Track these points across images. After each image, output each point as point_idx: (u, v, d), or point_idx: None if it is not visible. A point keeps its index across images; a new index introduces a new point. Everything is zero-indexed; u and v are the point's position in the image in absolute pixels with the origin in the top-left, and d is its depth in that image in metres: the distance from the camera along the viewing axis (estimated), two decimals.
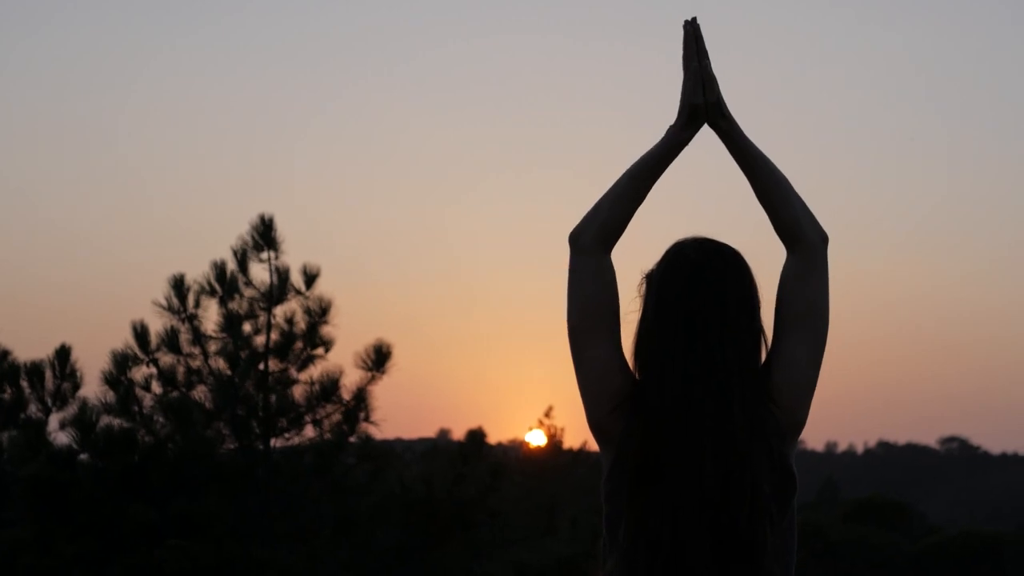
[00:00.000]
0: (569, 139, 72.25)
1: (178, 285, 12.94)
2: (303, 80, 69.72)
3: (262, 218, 13.07)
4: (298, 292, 13.08)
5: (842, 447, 70.52)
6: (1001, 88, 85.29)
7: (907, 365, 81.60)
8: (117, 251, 50.64)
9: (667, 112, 2.74)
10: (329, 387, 12.89)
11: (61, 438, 12.51)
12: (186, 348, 12.88)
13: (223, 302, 13.01)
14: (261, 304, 13.05)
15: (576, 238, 2.72)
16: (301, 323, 13.03)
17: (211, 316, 13.01)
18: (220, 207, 52.94)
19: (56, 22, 68.11)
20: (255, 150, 62.64)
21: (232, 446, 12.93)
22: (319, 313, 13.03)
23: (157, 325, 12.84)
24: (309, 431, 13.02)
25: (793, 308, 2.66)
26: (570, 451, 27.21)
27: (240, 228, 13.15)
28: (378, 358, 12.98)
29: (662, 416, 2.55)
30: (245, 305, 13.04)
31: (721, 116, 2.71)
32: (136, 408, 12.60)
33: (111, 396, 12.54)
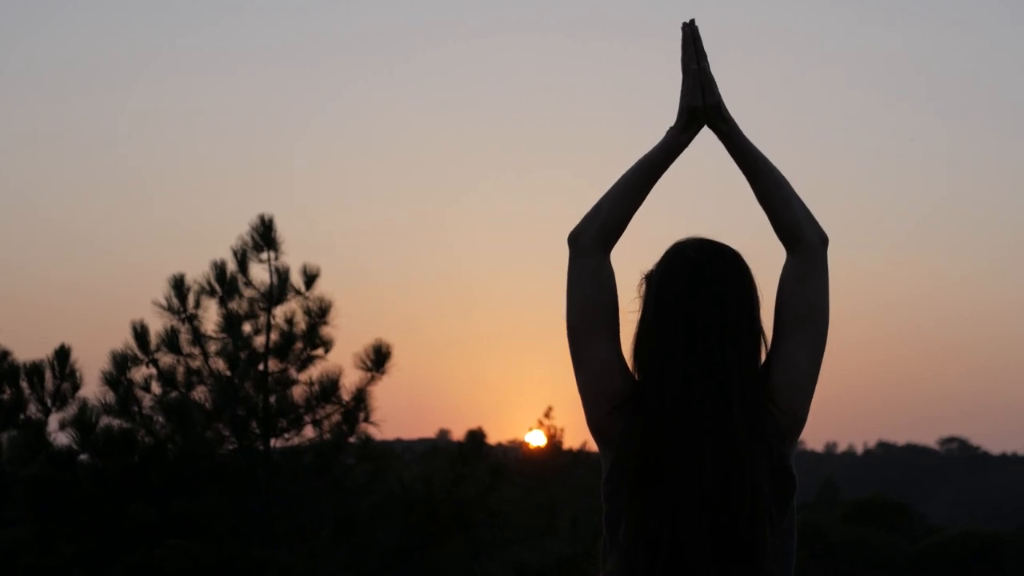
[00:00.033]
0: (569, 139, 72.29)
1: (178, 285, 12.94)
2: (303, 80, 69.77)
3: (262, 218, 13.08)
4: (298, 292, 13.08)
5: (842, 447, 70.59)
6: (1001, 88, 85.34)
7: (907, 365, 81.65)
8: (117, 251, 50.68)
9: (667, 112, 2.75)
10: (329, 387, 12.89)
11: (61, 438, 12.53)
12: (186, 348, 12.88)
13: (223, 302, 13.01)
14: (261, 304, 13.05)
15: (575, 239, 2.71)
16: (301, 323, 13.03)
17: (211, 316, 13.03)
18: (220, 207, 52.98)
19: (56, 22, 68.16)
20: (255, 150, 62.68)
21: (232, 446, 12.94)
22: (319, 313, 13.03)
23: (157, 325, 12.86)
24: (309, 431, 13.04)
25: (793, 309, 2.66)
26: (570, 451, 27.21)
27: (240, 228, 13.17)
28: (378, 358, 12.98)
29: (662, 417, 2.55)
30: (245, 305, 13.04)
31: (721, 118, 2.71)
32: (136, 408, 12.61)
33: (111, 396, 12.55)
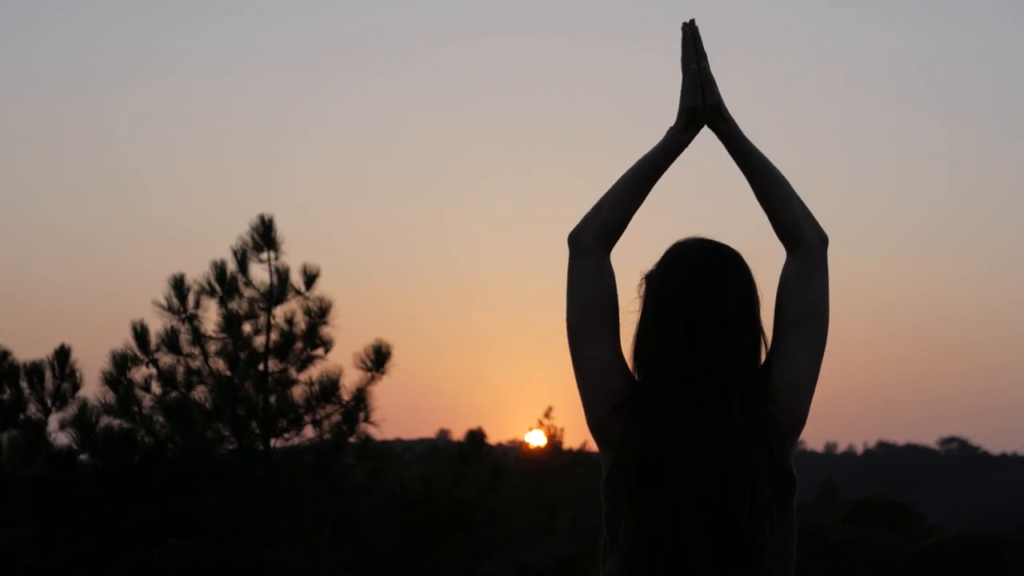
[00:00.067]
0: (569, 139, 72.29)
1: (178, 285, 12.94)
2: (303, 80, 69.77)
3: (262, 218, 13.09)
4: (298, 292, 13.08)
5: (842, 447, 70.59)
6: (1001, 88, 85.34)
7: (907, 365, 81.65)
8: (117, 251, 50.68)
9: (667, 112, 2.74)
10: (329, 387, 12.89)
11: (61, 438, 12.53)
12: (186, 348, 12.88)
13: (223, 302, 13.01)
14: (261, 304, 13.05)
15: (575, 239, 2.71)
16: (301, 323, 13.03)
17: (211, 316, 13.03)
18: (220, 207, 52.97)
19: (56, 22, 68.16)
20: (255, 150, 62.68)
21: (232, 446, 12.94)
22: (319, 313, 13.03)
23: (157, 325, 12.86)
24: (309, 431, 13.04)
25: (793, 309, 2.66)
26: (570, 451, 27.21)
27: (240, 228, 13.17)
28: (377, 358, 12.98)
29: (662, 417, 2.55)
30: (245, 305, 13.04)
31: (721, 118, 2.71)
32: (136, 408, 12.61)
33: (111, 396, 12.55)
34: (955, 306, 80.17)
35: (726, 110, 2.71)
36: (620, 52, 79.67)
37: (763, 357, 2.63)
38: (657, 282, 2.64)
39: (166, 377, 12.81)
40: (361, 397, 12.94)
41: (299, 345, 13.03)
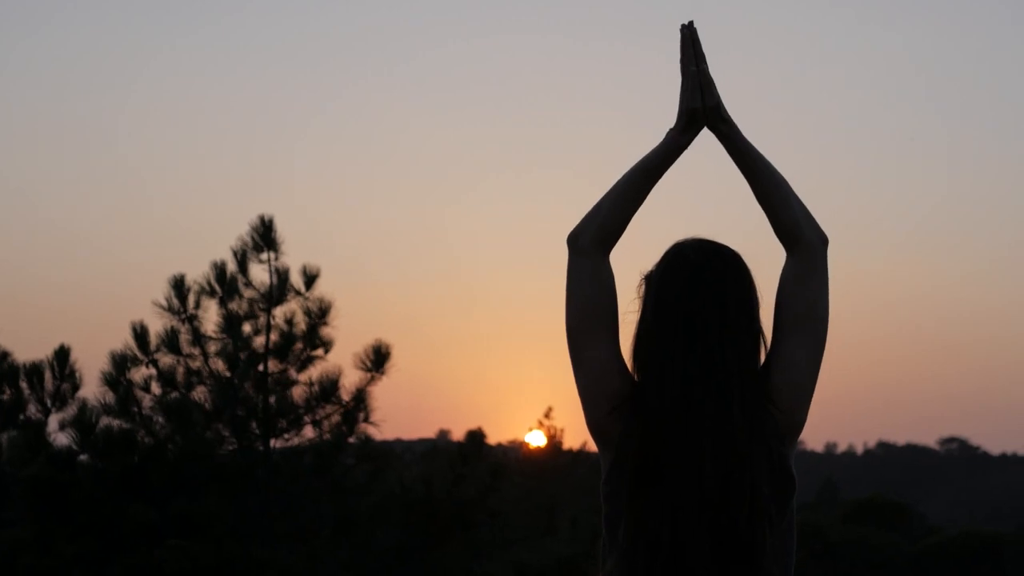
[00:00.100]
0: (569, 139, 72.31)
1: (178, 285, 12.94)
2: (303, 80, 69.78)
3: (262, 219, 13.09)
4: (298, 293, 13.08)
5: (842, 447, 70.59)
6: (1001, 88, 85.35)
7: (907, 365, 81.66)
8: (117, 251, 50.69)
9: (667, 112, 2.75)
10: (328, 388, 12.89)
11: (61, 439, 12.53)
12: (186, 349, 12.88)
13: (223, 303, 13.01)
14: (261, 305, 13.05)
15: (575, 239, 2.72)
16: (301, 324, 13.03)
17: (211, 317, 13.02)
18: (220, 207, 52.99)
19: (56, 22, 68.16)
20: (255, 150, 62.69)
21: (232, 447, 12.94)
22: (319, 314, 13.03)
23: (157, 325, 12.86)
24: (309, 432, 13.04)
25: (793, 310, 2.66)
26: (570, 451, 27.21)
27: (240, 228, 13.17)
28: (377, 359, 12.99)
29: (661, 417, 2.55)
30: (245, 306, 13.04)
31: (721, 120, 2.71)
32: (136, 409, 12.61)
33: (111, 397, 12.55)
34: (955, 306, 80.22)
35: (725, 111, 2.71)
36: (620, 52, 79.69)
37: (763, 357, 2.63)
38: (657, 282, 2.64)
39: (166, 377, 12.81)
40: (361, 397, 12.94)
41: (299, 345, 13.04)
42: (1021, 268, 72.74)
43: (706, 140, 2.74)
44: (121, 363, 12.62)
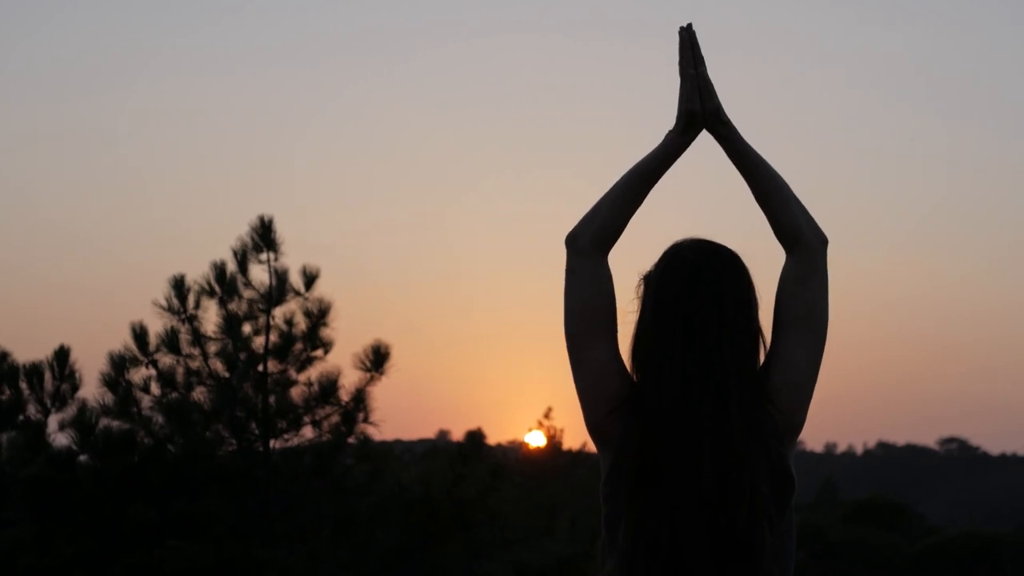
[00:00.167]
0: (569, 139, 72.33)
1: (178, 286, 12.94)
2: (303, 80, 69.80)
3: (262, 219, 13.08)
4: (297, 293, 13.08)
5: (841, 448, 70.59)
6: (1001, 88, 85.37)
7: (907, 365, 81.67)
8: (117, 251, 50.72)
9: (667, 113, 2.75)
10: (328, 388, 12.89)
11: (60, 439, 12.53)
12: (185, 349, 12.88)
13: (223, 303, 13.01)
14: (260, 305, 13.05)
15: (573, 240, 2.72)
16: (300, 324, 13.03)
17: (211, 317, 13.02)
18: (220, 207, 53.01)
19: (56, 22, 68.18)
20: (255, 150, 62.71)
21: (231, 447, 12.94)
22: (318, 315, 13.03)
23: (157, 326, 12.85)
24: (308, 432, 13.03)
25: (792, 310, 2.67)
26: (570, 452, 27.20)
27: (240, 229, 13.17)
28: (377, 359, 12.98)
29: (660, 417, 2.55)
30: (244, 306, 13.04)
31: (720, 122, 2.71)
32: (135, 409, 12.60)
33: (110, 397, 12.55)
34: (955, 306, 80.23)
35: (724, 114, 2.71)
36: (620, 52, 79.69)
37: (762, 358, 2.64)
38: (655, 283, 2.64)
39: (165, 378, 12.80)
40: (360, 398, 12.93)
41: (298, 346, 13.03)
42: (1021, 268, 72.79)
43: (705, 141, 2.75)
44: (121, 363, 12.62)
